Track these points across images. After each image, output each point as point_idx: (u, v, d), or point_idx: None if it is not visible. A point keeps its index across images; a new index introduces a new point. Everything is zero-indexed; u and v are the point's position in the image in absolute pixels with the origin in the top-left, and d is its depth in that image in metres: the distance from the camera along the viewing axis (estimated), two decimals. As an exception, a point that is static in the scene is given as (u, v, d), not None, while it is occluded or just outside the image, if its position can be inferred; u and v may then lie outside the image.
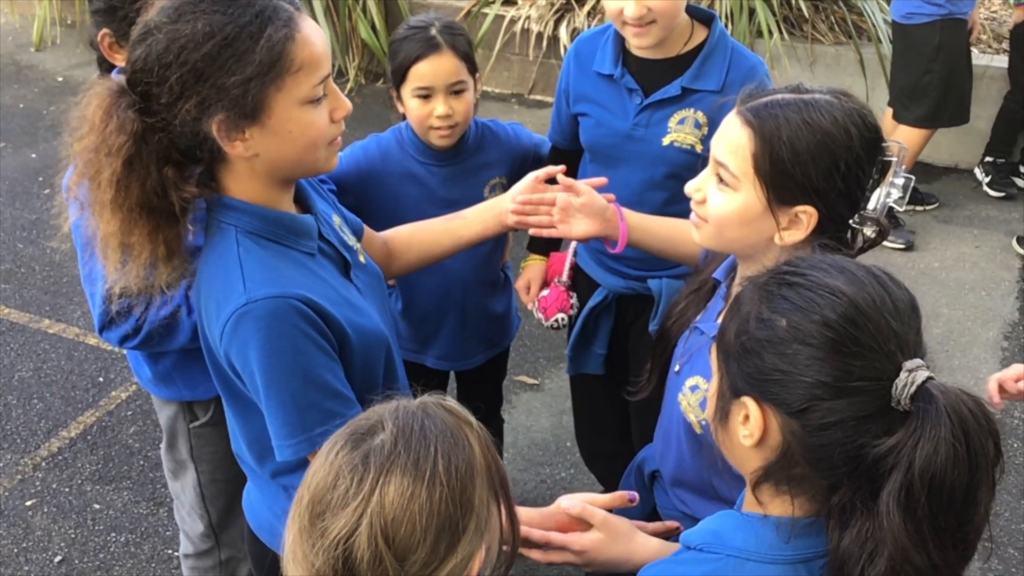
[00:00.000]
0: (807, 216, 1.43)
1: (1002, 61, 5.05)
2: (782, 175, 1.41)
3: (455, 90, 2.19)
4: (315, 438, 1.41)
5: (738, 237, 1.48)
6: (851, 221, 1.46)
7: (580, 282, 2.52)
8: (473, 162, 2.32)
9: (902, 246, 4.49)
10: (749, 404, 1.11)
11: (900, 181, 1.48)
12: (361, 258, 1.65)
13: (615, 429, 2.73)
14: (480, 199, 2.32)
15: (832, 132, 1.39)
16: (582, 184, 1.89)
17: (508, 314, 2.61)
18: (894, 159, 1.45)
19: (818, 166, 1.40)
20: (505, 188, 2.36)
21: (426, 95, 2.17)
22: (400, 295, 2.43)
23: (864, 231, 1.48)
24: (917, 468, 1.00)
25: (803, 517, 1.12)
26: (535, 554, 1.46)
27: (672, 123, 2.14)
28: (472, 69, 2.22)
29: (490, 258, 2.43)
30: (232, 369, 1.44)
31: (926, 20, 4.29)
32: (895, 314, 1.06)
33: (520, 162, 2.41)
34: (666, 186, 2.19)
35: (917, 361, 1.05)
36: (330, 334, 1.43)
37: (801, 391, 1.06)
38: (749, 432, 1.11)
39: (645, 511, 1.79)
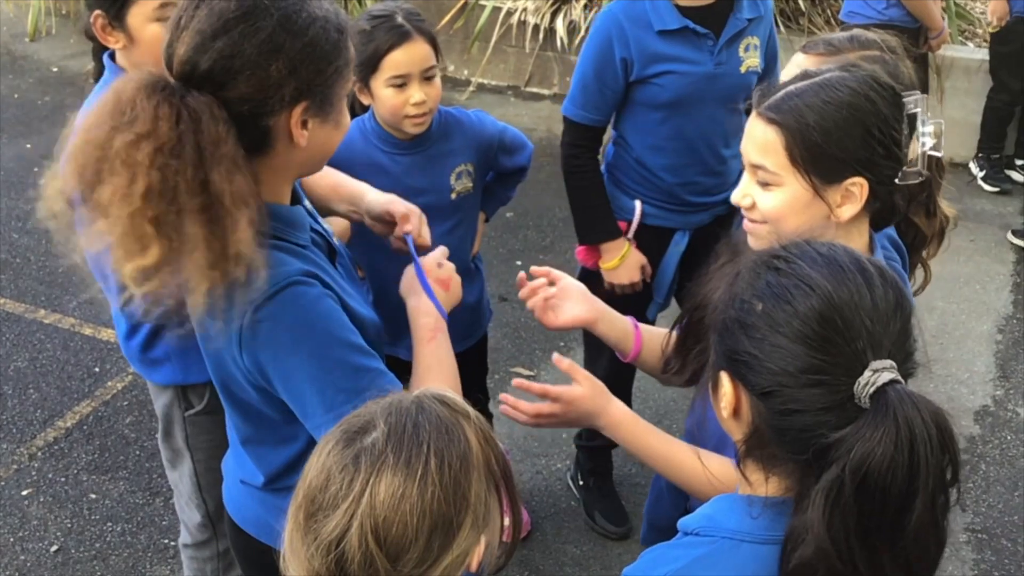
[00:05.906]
0: (858, 188, 1.45)
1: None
2: (821, 157, 1.43)
3: (427, 76, 2.19)
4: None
5: (796, 226, 1.49)
6: (896, 180, 1.48)
7: (644, 238, 2.63)
8: (437, 150, 2.30)
9: None
10: (723, 379, 1.13)
11: (930, 128, 1.51)
12: (335, 240, 1.64)
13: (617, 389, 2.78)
14: (446, 186, 2.32)
15: (854, 103, 1.43)
16: (555, 271, 1.82)
17: (480, 304, 2.60)
18: (918, 110, 1.48)
19: (853, 138, 1.43)
20: (471, 175, 2.36)
21: (401, 84, 2.16)
22: (370, 287, 2.38)
23: (908, 183, 1.49)
24: (851, 465, 1.00)
25: (791, 496, 1.12)
26: (522, 414, 1.67)
27: (741, 52, 2.47)
28: (438, 54, 2.23)
29: (459, 248, 2.39)
30: (259, 371, 1.42)
31: (863, 22, 4.27)
32: (872, 312, 1.05)
33: (485, 149, 2.39)
34: (741, 109, 2.53)
35: (886, 362, 1.04)
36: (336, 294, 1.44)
37: (767, 376, 1.07)
38: (725, 404, 1.14)
39: (679, 509, 1.77)
